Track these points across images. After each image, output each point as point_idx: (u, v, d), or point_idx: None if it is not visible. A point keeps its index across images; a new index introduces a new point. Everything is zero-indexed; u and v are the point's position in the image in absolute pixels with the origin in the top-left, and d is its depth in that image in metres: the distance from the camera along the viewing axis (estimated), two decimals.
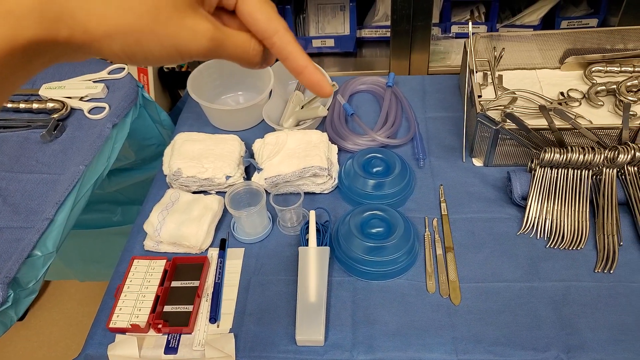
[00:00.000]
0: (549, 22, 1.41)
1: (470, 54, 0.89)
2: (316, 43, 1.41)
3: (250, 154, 0.88)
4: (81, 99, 0.88)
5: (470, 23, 0.90)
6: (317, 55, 1.46)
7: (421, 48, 1.33)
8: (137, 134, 0.94)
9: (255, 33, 0.32)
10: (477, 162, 0.88)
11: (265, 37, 0.32)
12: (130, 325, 0.68)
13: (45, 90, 0.89)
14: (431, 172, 0.87)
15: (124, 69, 0.90)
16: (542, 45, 0.98)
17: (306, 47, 1.42)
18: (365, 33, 1.46)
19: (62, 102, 0.86)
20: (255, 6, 0.32)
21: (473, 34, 0.93)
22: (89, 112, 0.85)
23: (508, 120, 0.81)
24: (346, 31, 1.42)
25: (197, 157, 0.84)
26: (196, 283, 0.73)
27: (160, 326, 0.68)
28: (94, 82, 0.89)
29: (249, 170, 0.88)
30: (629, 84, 0.92)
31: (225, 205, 0.78)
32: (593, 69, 0.97)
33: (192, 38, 0.29)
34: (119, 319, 0.69)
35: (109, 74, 0.91)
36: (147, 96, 0.93)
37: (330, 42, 1.41)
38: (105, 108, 0.85)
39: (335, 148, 0.88)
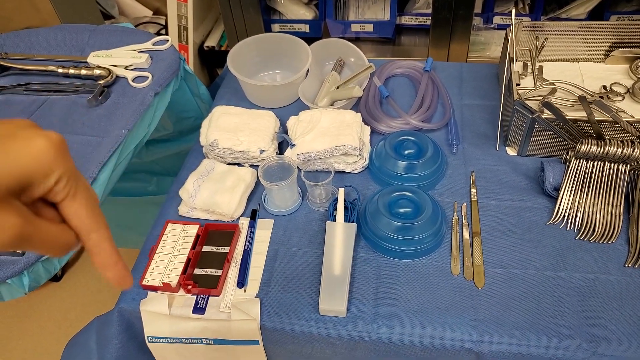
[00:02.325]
0: (597, 17, 1.38)
1: (511, 41, 0.88)
2: (355, 27, 1.41)
3: (284, 130, 0.90)
4: (126, 67, 0.91)
5: (513, 11, 0.88)
6: (355, 40, 1.46)
7: (461, 37, 1.32)
8: (176, 105, 0.97)
9: (74, 228, 0.31)
10: (511, 151, 0.88)
11: (83, 233, 0.32)
12: (162, 284, 0.71)
13: (93, 58, 0.93)
14: (464, 159, 0.87)
15: (168, 40, 0.93)
16: (587, 37, 0.96)
17: (345, 32, 1.43)
18: (405, 20, 1.45)
19: (108, 69, 0.90)
20: (80, 206, 0.31)
21: (516, 22, 0.92)
22: (133, 80, 0.88)
23: (546, 110, 0.80)
24: (386, 17, 1.41)
25: (234, 130, 0.86)
26: (226, 249, 0.75)
27: (190, 287, 0.71)
28: (139, 52, 0.93)
29: (282, 146, 0.90)
30: None
31: (258, 178, 0.81)
32: (639, 64, 0.94)
33: None
34: (151, 277, 0.72)
35: (153, 45, 0.94)
36: (188, 69, 0.96)
37: (370, 27, 1.41)
38: (148, 77, 0.88)
39: (368, 129, 0.89)
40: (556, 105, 0.88)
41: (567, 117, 0.78)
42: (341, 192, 0.78)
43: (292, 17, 1.43)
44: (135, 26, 1.64)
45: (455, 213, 0.79)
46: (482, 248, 0.74)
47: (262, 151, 0.84)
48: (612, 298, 0.67)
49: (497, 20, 1.42)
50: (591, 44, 0.97)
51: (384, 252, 0.74)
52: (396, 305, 0.69)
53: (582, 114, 0.79)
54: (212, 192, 0.79)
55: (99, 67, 0.90)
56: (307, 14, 1.42)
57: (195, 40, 1.48)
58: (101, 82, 0.88)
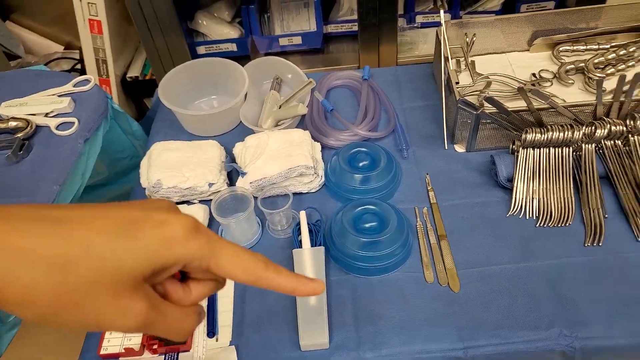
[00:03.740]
0: (509, 8, 1.44)
1: (443, 41, 0.89)
2: (283, 41, 1.39)
3: (231, 158, 0.85)
4: (47, 115, 0.83)
5: (442, 11, 0.90)
6: (284, 54, 1.44)
7: (389, 40, 1.33)
8: (108, 147, 0.90)
9: (238, 281, 0.32)
10: (460, 148, 0.89)
11: (251, 283, 0.32)
12: (124, 349, 0.65)
13: (5, 109, 0.84)
14: (415, 162, 0.87)
15: (90, 80, 0.86)
16: (510, 29, 1.00)
17: (273, 47, 1.40)
18: (331, 29, 1.45)
19: (25, 120, 0.81)
20: (229, 267, 0.31)
21: (446, 21, 0.94)
22: (57, 128, 0.81)
23: (487, 105, 0.81)
24: (312, 27, 1.40)
25: (177, 166, 0.80)
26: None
27: (155, 347, 0.65)
28: (59, 96, 0.85)
29: (232, 176, 0.85)
30: (596, 61, 0.94)
31: (211, 214, 0.76)
32: (560, 49, 0.99)
33: (120, 318, 0.27)
34: (110, 344, 0.66)
35: (74, 86, 0.87)
36: (116, 107, 0.89)
37: (298, 40, 1.39)
38: (74, 123, 0.81)
39: (318, 145, 0.87)
40: (495, 97, 0.90)
41: (509, 109, 0.80)
42: (302, 215, 0.75)
43: (217, 38, 1.38)
44: (46, 63, 1.53)
45: (418, 218, 0.79)
46: (450, 250, 0.74)
47: (211, 184, 0.79)
48: (581, 280, 0.69)
49: (419, 19, 1.45)
50: (514, 36, 1.00)
51: (356, 271, 0.72)
52: (378, 325, 0.67)
53: (521, 104, 0.81)
54: None
55: (14, 118, 0.82)
56: (232, 32, 1.38)
57: (116, 72, 1.39)
58: (19, 134, 0.80)
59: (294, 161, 0.79)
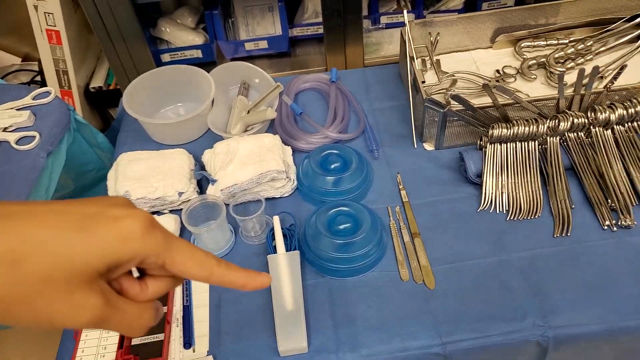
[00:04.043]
0: (471, 6, 1.47)
1: (408, 41, 0.90)
2: (249, 46, 1.38)
3: (200, 166, 0.84)
4: (5, 129, 0.80)
5: (405, 11, 0.91)
6: (250, 59, 1.43)
7: (355, 41, 1.34)
8: (73, 160, 0.88)
9: (190, 278, 0.32)
10: (429, 147, 0.90)
11: (203, 281, 0.33)
12: None
13: None
14: (386, 162, 0.87)
15: (50, 92, 0.84)
16: (473, 27, 1.01)
17: (238, 51, 1.39)
18: (297, 32, 1.44)
19: None
20: (184, 264, 0.31)
21: (410, 21, 0.95)
22: (17, 142, 0.78)
23: (454, 102, 0.82)
24: (278, 31, 1.40)
25: (145, 176, 0.79)
26: (164, 309, 0.68)
27: None
28: (17, 109, 0.82)
29: (203, 183, 0.84)
30: (556, 55, 0.96)
31: (182, 223, 0.74)
32: (522, 45, 1.01)
33: (73, 313, 0.27)
34: (84, 353, 0.64)
35: (33, 99, 0.84)
36: (80, 119, 0.87)
37: (264, 44, 1.39)
38: (35, 137, 0.78)
39: (289, 149, 0.86)
40: (461, 95, 0.92)
41: (475, 106, 0.81)
42: (276, 220, 0.75)
43: (181, 44, 1.36)
44: (4, 76, 1.48)
45: (391, 218, 0.79)
46: (424, 247, 0.75)
47: (181, 193, 0.78)
48: (551, 270, 0.71)
49: (384, 20, 1.46)
50: (477, 33, 1.02)
51: (332, 273, 0.72)
52: (356, 326, 0.66)
53: (486, 101, 0.83)
54: None
55: None
56: (197, 39, 1.36)
57: (78, 83, 1.36)
58: None
59: (265, 166, 0.78)
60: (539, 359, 0.67)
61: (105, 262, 0.27)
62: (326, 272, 0.72)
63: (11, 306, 0.25)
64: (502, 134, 0.81)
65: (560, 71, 0.92)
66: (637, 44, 0.98)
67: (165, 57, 1.36)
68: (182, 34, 1.35)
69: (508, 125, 0.81)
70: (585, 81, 0.82)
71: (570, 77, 0.91)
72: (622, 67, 0.82)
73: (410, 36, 0.91)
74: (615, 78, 0.83)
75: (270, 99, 0.91)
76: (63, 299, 0.26)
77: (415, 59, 0.90)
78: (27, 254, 0.25)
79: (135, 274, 0.33)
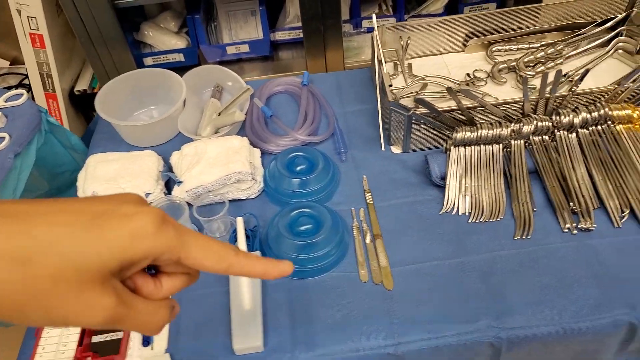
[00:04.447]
0: (453, 10, 1.48)
1: (377, 45, 0.91)
2: (230, 50, 1.40)
3: (169, 167, 0.85)
4: None
5: (374, 15, 0.92)
6: (233, 63, 1.44)
7: (335, 45, 1.35)
8: (47, 161, 0.89)
9: (209, 271, 0.32)
10: (396, 150, 0.91)
11: (221, 272, 0.32)
12: None
13: None
14: (354, 164, 0.88)
15: (22, 94, 0.85)
16: (445, 30, 1.02)
17: (222, 55, 1.40)
18: (279, 36, 1.46)
19: None
20: (200, 257, 0.31)
21: (380, 26, 0.96)
22: None
23: (419, 106, 0.83)
24: (260, 35, 1.41)
25: (113, 177, 0.80)
26: None
27: (90, 359, 0.64)
28: None
29: (170, 185, 0.85)
30: (526, 59, 0.97)
31: None
32: (494, 49, 1.02)
33: (86, 313, 0.26)
34: (44, 351, 0.65)
35: (6, 101, 0.85)
36: (53, 121, 0.88)
37: (245, 48, 1.40)
38: (4, 138, 0.79)
39: (257, 151, 0.87)
40: (429, 98, 0.92)
41: (439, 109, 0.82)
42: (239, 221, 0.75)
43: (164, 48, 1.38)
44: None
45: (354, 219, 0.80)
46: (385, 249, 0.76)
47: (148, 194, 0.79)
48: (510, 272, 0.71)
49: (365, 24, 1.47)
50: (450, 37, 1.03)
51: (293, 274, 0.72)
52: (313, 326, 0.67)
53: (453, 104, 0.84)
54: None
55: None
56: (179, 42, 1.38)
57: (63, 86, 1.37)
58: None
59: (230, 168, 0.79)
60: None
61: (118, 261, 0.27)
62: None
63: (24, 306, 0.25)
64: (466, 137, 0.82)
65: (526, 75, 0.93)
66: (606, 49, 0.99)
67: (148, 61, 1.37)
68: (165, 38, 1.37)
69: (472, 129, 0.82)
70: (549, 85, 0.83)
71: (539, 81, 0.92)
72: (586, 71, 0.83)
73: (378, 40, 0.92)
74: (580, 81, 0.84)
75: (240, 101, 0.92)
76: (76, 298, 0.26)
77: (384, 62, 0.91)
78: (38, 253, 0.25)
79: (149, 271, 0.32)
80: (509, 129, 0.82)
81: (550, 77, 0.84)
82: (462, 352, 0.66)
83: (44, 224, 0.26)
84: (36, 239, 0.25)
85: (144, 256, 0.28)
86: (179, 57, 1.38)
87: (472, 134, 0.81)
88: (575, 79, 0.95)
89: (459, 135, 0.81)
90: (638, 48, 0.96)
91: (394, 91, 0.96)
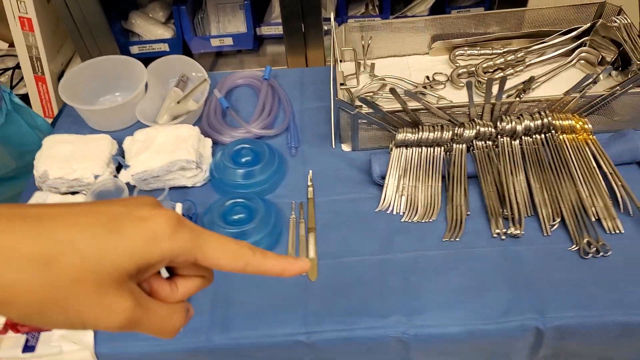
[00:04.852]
0: (439, 12, 1.48)
1: (333, 43, 0.93)
2: (215, 42, 1.43)
3: (122, 152, 0.89)
4: None
5: (332, 14, 0.94)
6: (221, 55, 1.48)
7: (315, 44, 1.37)
8: (12, 140, 0.94)
9: (226, 270, 0.32)
10: (346, 148, 0.92)
11: (239, 271, 0.32)
12: None
13: None
14: (303, 160, 0.90)
15: None
16: (410, 32, 1.03)
17: (205, 47, 1.44)
18: (265, 31, 1.48)
19: None
20: (217, 257, 0.31)
21: (343, 24, 0.98)
22: None
23: (364, 105, 0.85)
24: (243, 29, 1.44)
25: (67, 158, 0.84)
26: None
27: (19, 326, 0.68)
28: None
29: (123, 169, 0.89)
30: (484, 65, 0.98)
31: None
32: (456, 53, 1.03)
33: (104, 315, 0.27)
34: None
35: None
36: (17, 101, 0.93)
37: (229, 41, 1.43)
38: None
39: (209, 141, 0.90)
40: (386, 99, 0.94)
41: (383, 109, 0.83)
42: (178, 206, 0.79)
43: (151, 38, 1.42)
44: None
45: (293, 212, 0.82)
46: (316, 241, 0.78)
47: (97, 176, 0.83)
48: (431, 271, 0.73)
49: (351, 22, 1.48)
50: (414, 39, 1.04)
51: None
52: (232, 310, 0.70)
53: (412, 105, 0.84)
54: None
55: None
56: (166, 33, 1.42)
57: (53, 70, 1.43)
58: None
59: (176, 155, 0.82)
60: (403, 357, 0.69)
61: (135, 264, 0.27)
62: None
63: (44, 308, 0.25)
64: (407, 138, 0.83)
65: (485, 79, 0.93)
66: (569, 58, 0.98)
67: (134, 49, 1.42)
68: (152, 27, 1.41)
69: (413, 130, 0.83)
70: (495, 91, 0.83)
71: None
72: (530, 79, 0.83)
73: (335, 38, 0.94)
74: (527, 88, 0.85)
75: (198, 92, 0.95)
76: (94, 300, 0.26)
77: (339, 61, 0.93)
78: (58, 255, 0.25)
79: (165, 274, 0.33)
80: (450, 133, 0.83)
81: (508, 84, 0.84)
82: (372, 345, 0.68)
83: (65, 226, 0.26)
84: (57, 241, 0.25)
85: (161, 258, 0.28)
86: (164, 47, 1.41)
87: (413, 135, 0.83)
88: (537, 86, 0.96)
89: (400, 136, 0.83)
90: (599, 59, 0.96)
91: (352, 89, 0.98)
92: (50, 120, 1.14)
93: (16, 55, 1.61)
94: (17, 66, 1.60)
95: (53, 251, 0.25)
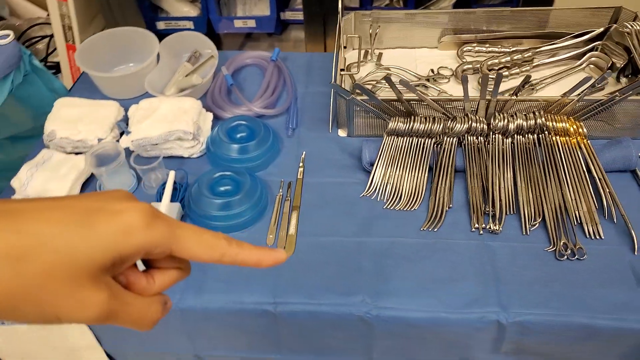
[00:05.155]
0: (464, 6, 1.47)
1: (338, 29, 0.95)
2: (238, 23, 1.47)
3: (127, 119, 0.93)
4: None
5: (340, 2, 0.95)
6: (246, 37, 1.51)
7: (334, 31, 1.38)
8: (30, 101, 1.00)
9: (202, 261, 0.32)
10: (342, 133, 0.94)
11: (214, 262, 0.33)
12: None
13: None
14: (298, 141, 0.93)
15: (9, 35, 0.96)
16: (420, 25, 1.04)
17: (228, 27, 1.47)
18: (289, 15, 1.51)
19: None
20: (192, 248, 0.31)
21: (352, 14, 1.00)
22: None
23: (359, 91, 0.86)
24: (268, 12, 1.47)
25: (74, 120, 0.89)
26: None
27: None
28: None
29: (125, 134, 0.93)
30: (489, 62, 0.97)
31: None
32: (464, 49, 1.02)
33: (79, 309, 0.27)
34: None
35: None
36: (37, 64, 0.99)
37: (252, 23, 1.46)
38: None
39: (210, 115, 0.94)
40: (387, 88, 0.95)
41: (379, 98, 0.85)
42: (171, 174, 0.82)
43: (178, 15, 1.47)
44: (30, 27, 1.65)
45: (281, 190, 0.85)
46: (298, 219, 0.80)
47: (100, 140, 0.88)
48: (404, 258, 0.74)
49: (361, 12, 1.49)
50: (425, 32, 1.05)
51: (205, 227, 0.79)
52: (206, 275, 0.73)
53: (409, 95, 0.85)
54: (44, 180, 0.82)
55: None
56: (191, 11, 1.46)
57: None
58: None
59: (174, 125, 0.86)
60: (367, 338, 0.71)
61: (109, 257, 0.27)
62: (202, 226, 0.79)
63: (17, 303, 0.25)
64: (398, 127, 0.84)
65: (485, 75, 0.93)
66: (579, 62, 0.97)
67: (160, 25, 1.47)
68: (179, 5, 1.45)
69: (405, 120, 0.84)
70: (490, 88, 0.83)
71: (503, 85, 0.91)
72: (526, 77, 0.82)
73: (341, 25, 0.95)
74: (522, 87, 0.84)
75: (207, 67, 0.99)
76: (68, 294, 0.26)
77: (343, 47, 0.94)
78: (31, 250, 0.25)
79: (141, 267, 0.33)
80: (442, 125, 0.83)
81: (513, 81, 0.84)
82: (336, 322, 0.70)
83: (36, 221, 0.26)
84: (29, 236, 0.26)
85: (136, 251, 0.28)
86: (189, 25, 1.46)
87: (405, 125, 0.84)
88: (541, 87, 0.95)
89: (392, 124, 0.84)
90: (609, 65, 0.94)
91: (356, 76, 0.99)
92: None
93: None
94: (53, 35, 1.68)
95: (26, 246, 0.25)
